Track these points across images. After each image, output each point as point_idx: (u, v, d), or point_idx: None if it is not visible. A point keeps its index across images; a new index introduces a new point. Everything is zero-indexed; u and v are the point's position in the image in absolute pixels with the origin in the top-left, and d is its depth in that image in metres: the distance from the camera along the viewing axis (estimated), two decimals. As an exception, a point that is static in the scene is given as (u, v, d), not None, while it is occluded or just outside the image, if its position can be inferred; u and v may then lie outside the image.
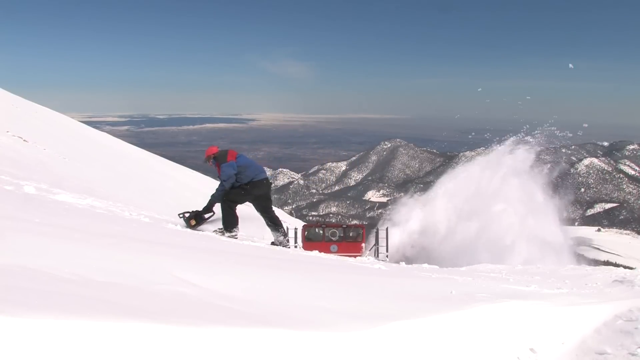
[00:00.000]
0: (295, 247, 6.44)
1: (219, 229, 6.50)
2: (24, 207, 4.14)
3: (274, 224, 6.78)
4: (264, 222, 6.86)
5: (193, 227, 6.36)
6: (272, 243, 6.68)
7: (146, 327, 1.27)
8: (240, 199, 6.62)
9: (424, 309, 2.43)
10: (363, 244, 10.79)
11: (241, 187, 6.56)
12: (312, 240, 10.65)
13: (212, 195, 6.59)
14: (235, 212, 6.55)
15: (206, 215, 6.57)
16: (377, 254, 9.97)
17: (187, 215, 6.48)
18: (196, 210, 6.51)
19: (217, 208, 6.61)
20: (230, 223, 6.46)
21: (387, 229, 10.19)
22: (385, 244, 10.12)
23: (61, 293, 1.52)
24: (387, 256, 10.01)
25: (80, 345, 1.13)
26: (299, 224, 11.68)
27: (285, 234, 6.92)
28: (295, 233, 10.13)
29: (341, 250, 9.81)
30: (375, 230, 10.49)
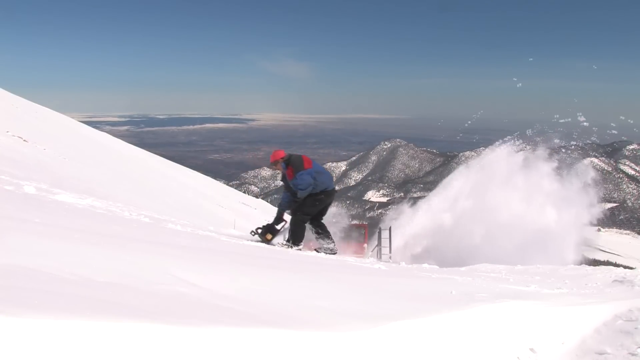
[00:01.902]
0: (287, 244, 6.29)
1: (286, 241, 6.31)
2: (24, 207, 4.14)
3: (325, 231, 6.55)
4: (312, 229, 6.53)
5: (269, 242, 6.27)
6: (317, 249, 6.46)
7: (146, 327, 1.27)
8: (315, 210, 6.34)
9: (424, 309, 2.43)
10: (365, 244, 10.60)
11: (315, 197, 6.27)
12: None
13: (280, 205, 6.45)
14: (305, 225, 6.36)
15: (278, 227, 6.44)
16: (379, 255, 9.75)
17: (259, 231, 6.38)
18: (268, 224, 6.40)
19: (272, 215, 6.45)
20: (300, 236, 6.24)
21: (389, 229, 9.96)
22: (388, 244, 9.87)
23: (61, 293, 1.52)
24: (390, 257, 9.79)
25: (80, 345, 1.13)
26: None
27: (333, 241, 6.67)
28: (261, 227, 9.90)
29: (342, 251, 9.60)
30: (377, 230, 10.25)
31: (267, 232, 6.33)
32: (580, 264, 8.45)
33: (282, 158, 6.38)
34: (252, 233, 6.45)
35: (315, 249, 6.49)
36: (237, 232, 7.99)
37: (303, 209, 6.24)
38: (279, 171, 6.56)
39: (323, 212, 6.61)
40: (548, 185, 14.19)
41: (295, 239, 6.22)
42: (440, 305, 2.60)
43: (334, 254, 6.42)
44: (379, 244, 9.90)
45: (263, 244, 6.19)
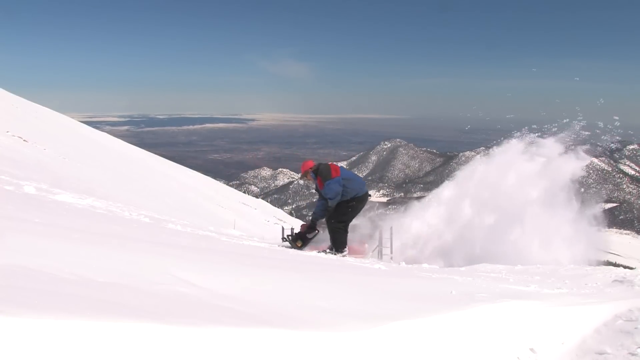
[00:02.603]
0: (330, 252, 6.34)
1: (329, 249, 6.33)
2: (24, 207, 4.14)
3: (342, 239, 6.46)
4: (328, 228, 6.49)
5: (300, 248, 6.33)
6: (325, 251, 6.43)
7: (146, 327, 1.27)
8: (350, 217, 6.35)
9: (424, 309, 2.43)
10: (366, 245, 10.48)
11: (347, 204, 6.28)
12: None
13: (314, 213, 6.44)
14: (347, 231, 6.36)
15: (309, 235, 6.47)
16: (380, 256, 9.62)
17: (290, 237, 6.46)
18: (300, 232, 6.45)
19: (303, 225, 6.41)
20: (342, 243, 6.28)
21: (391, 229, 9.86)
22: (389, 245, 9.75)
23: (61, 293, 1.52)
24: (391, 258, 9.67)
25: (80, 345, 1.13)
26: (299, 224, 11.55)
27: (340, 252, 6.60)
28: (291, 233, 9.85)
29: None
30: (378, 230, 10.14)
31: (298, 239, 6.42)
32: (597, 264, 8.41)
33: (310, 168, 6.43)
34: (284, 239, 6.52)
35: (324, 250, 6.48)
36: (237, 232, 8.00)
37: (338, 217, 6.29)
38: (310, 182, 6.60)
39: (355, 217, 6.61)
40: (553, 183, 14.07)
41: (339, 245, 6.27)
42: (440, 305, 2.60)
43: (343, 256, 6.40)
44: (380, 244, 9.82)
45: (263, 244, 6.19)
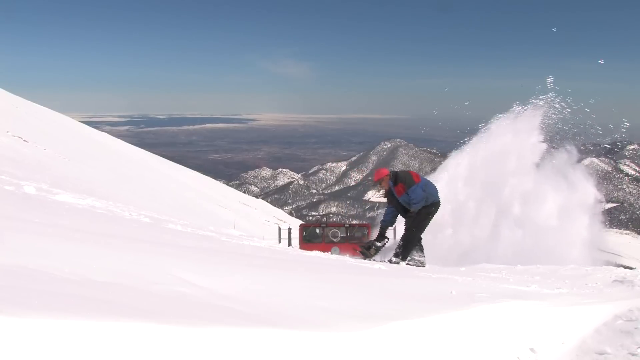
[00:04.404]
0: (397, 260, 6.38)
1: (394, 257, 6.34)
2: (24, 207, 4.14)
3: (420, 243, 6.48)
4: (403, 235, 6.48)
5: (371, 257, 6.40)
6: (391, 258, 6.43)
7: (146, 327, 1.27)
8: (427, 223, 6.37)
9: (424, 309, 2.43)
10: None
11: (427, 210, 6.29)
12: (311, 241, 9.70)
13: (384, 221, 6.50)
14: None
15: (380, 244, 6.53)
16: (383, 256, 9.35)
17: (362, 247, 6.55)
18: (370, 240, 6.55)
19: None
20: (411, 251, 6.29)
21: (394, 228, 9.64)
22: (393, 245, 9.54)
23: (61, 293, 1.52)
24: (397, 260, 9.41)
25: (81, 345, 1.13)
26: (299, 224, 11.34)
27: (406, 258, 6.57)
28: (289, 233, 9.51)
29: (344, 253, 8.89)
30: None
31: (370, 248, 6.48)
32: (602, 264, 8.40)
33: (387, 175, 6.48)
34: (357, 251, 6.62)
35: (388, 260, 6.44)
36: (237, 232, 8.00)
37: (418, 224, 6.30)
38: (383, 189, 6.64)
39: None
40: (556, 182, 13.98)
41: (407, 254, 6.29)
42: (440, 305, 2.60)
43: (423, 266, 6.31)
44: (382, 244, 9.61)
45: (262, 244, 6.20)
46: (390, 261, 6.26)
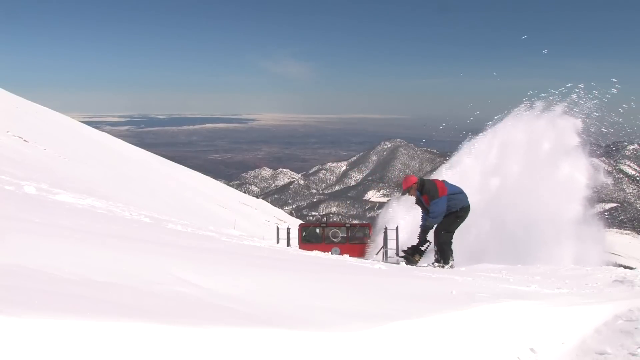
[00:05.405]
0: (439, 265, 6.48)
1: (435, 261, 6.42)
2: (24, 207, 4.14)
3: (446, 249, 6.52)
4: (435, 240, 6.56)
5: (416, 263, 6.47)
6: (434, 263, 6.51)
7: (146, 327, 1.27)
8: (456, 227, 6.46)
9: (424, 309, 2.43)
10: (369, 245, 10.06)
11: (456, 214, 6.37)
12: (311, 241, 9.69)
13: (423, 226, 6.52)
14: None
15: (423, 248, 6.59)
16: (385, 257, 9.06)
17: (405, 254, 6.61)
18: (412, 246, 6.56)
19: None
20: (450, 254, 6.38)
21: (396, 228, 9.43)
22: (395, 245, 9.25)
23: (61, 293, 1.52)
24: (398, 260, 9.16)
25: (81, 345, 1.13)
26: (298, 224, 11.17)
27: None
28: (288, 233, 9.39)
29: (344, 254, 9.07)
30: (383, 229, 9.70)
31: (414, 254, 6.53)
32: (602, 264, 8.40)
33: (415, 183, 6.50)
34: (400, 257, 6.69)
35: (431, 263, 6.53)
36: (237, 232, 7.99)
37: (447, 227, 6.37)
38: (412, 196, 6.68)
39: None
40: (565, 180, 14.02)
41: (446, 257, 6.36)
42: (440, 305, 2.60)
43: (451, 268, 6.37)
44: (385, 245, 9.32)
45: (263, 244, 6.19)
46: (433, 265, 6.37)
